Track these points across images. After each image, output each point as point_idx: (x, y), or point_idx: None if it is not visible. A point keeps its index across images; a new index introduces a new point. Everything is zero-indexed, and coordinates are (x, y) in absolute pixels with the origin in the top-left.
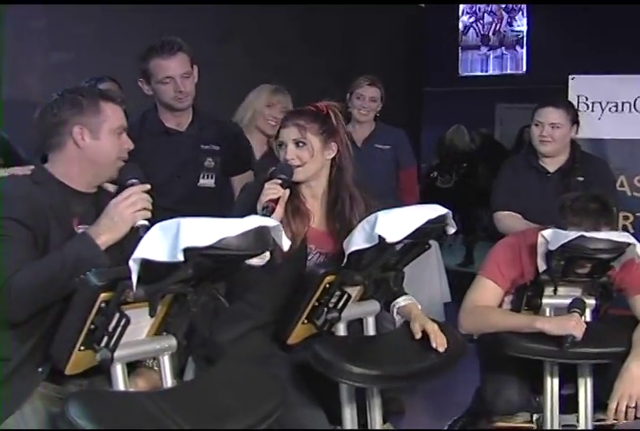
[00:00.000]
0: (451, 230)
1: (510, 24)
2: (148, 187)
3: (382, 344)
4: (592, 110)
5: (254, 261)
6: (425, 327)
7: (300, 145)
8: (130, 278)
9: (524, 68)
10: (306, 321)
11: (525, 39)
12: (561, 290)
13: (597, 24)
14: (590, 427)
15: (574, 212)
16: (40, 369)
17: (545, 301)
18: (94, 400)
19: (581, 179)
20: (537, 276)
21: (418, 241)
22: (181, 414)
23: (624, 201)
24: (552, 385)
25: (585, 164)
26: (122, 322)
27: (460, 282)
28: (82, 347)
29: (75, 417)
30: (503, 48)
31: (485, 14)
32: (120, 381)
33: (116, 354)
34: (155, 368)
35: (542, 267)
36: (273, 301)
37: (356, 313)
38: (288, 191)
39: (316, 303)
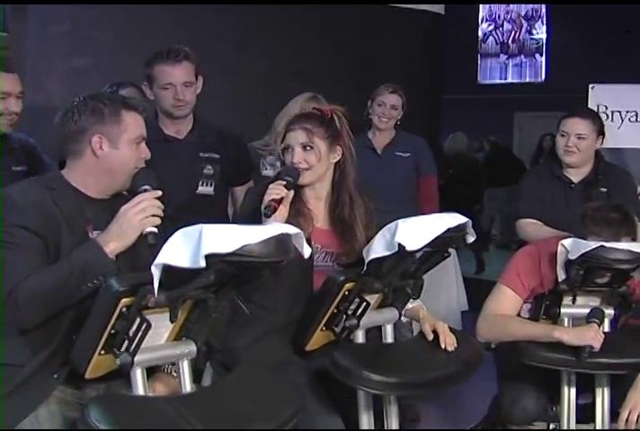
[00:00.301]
0: (470, 238)
1: (529, 32)
2: (159, 193)
3: (400, 351)
4: (612, 120)
5: None
6: (435, 327)
7: (308, 148)
8: (152, 284)
9: (543, 76)
10: (324, 328)
11: (544, 46)
12: (580, 300)
13: (617, 32)
14: None
15: (595, 221)
16: (55, 375)
17: (563, 310)
18: (115, 404)
19: (604, 190)
20: (557, 285)
21: (437, 249)
22: (199, 419)
23: None
24: (569, 395)
25: (608, 175)
26: (143, 327)
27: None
28: (102, 352)
29: (96, 421)
30: (523, 55)
31: (505, 22)
32: (139, 385)
33: (136, 358)
34: (174, 374)
35: (561, 276)
36: (283, 302)
37: (375, 321)
38: (292, 193)
39: (335, 310)
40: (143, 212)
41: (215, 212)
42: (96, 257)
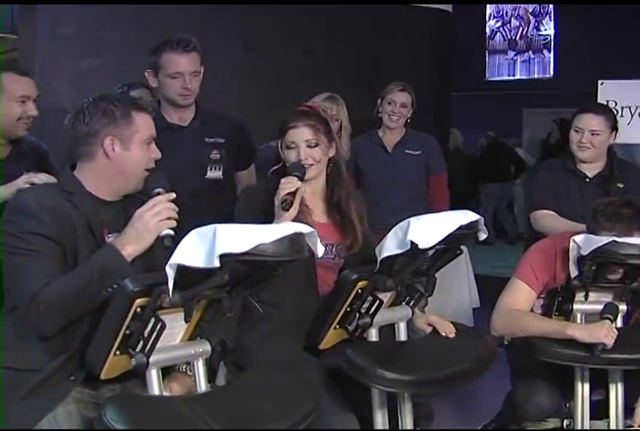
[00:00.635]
0: (483, 236)
1: (537, 28)
2: (174, 195)
3: (414, 349)
4: (622, 115)
5: None
6: (428, 320)
7: (313, 145)
8: (166, 284)
9: (551, 72)
10: (337, 327)
11: (552, 42)
12: (592, 296)
13: (625, 28)
14: None
15: (607, 217)
16: (72, 377)
17: (576, 306)
18: (131, 403)
19: (621, 185)
20: (569, 281)
21: (450, 246)
22: (215, 418)
23: None
24: (583, 391)
25: (624, 171)
26: (158, 327)
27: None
28: (117, 352)
29: (112, 421)
30: (531, 52)
31: (512, 18)
32: (155, 385)
33: (151, 358)
34: (189, 373)
35: (574, 272)
36: (291, 298)
37: (388, 319)
38: (303, 187)
39: (348, 309)
40: (158, 215)
41: (225, 196)
42: (114, 261)
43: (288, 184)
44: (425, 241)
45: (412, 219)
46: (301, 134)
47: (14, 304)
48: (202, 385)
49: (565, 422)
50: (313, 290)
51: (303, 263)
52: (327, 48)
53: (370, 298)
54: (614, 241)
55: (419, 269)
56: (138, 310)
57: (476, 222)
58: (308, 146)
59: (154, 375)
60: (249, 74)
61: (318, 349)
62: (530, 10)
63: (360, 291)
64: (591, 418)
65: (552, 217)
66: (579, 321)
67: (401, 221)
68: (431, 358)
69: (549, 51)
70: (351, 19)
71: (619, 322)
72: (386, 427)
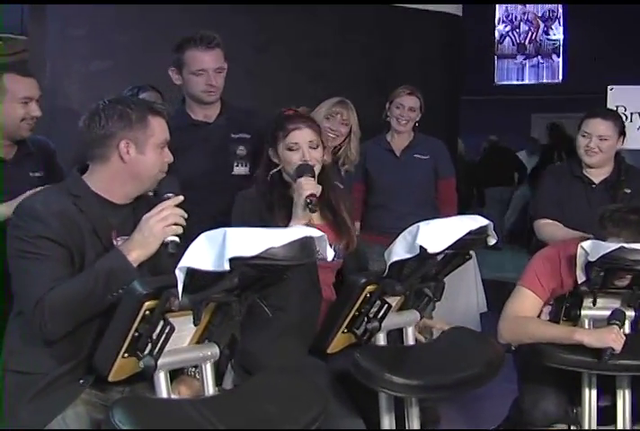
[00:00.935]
0: (492, 241)
1: (546, 33)
2: (181, 198)
3: (422, 354)
4: (631, 121)
5: None
6: (424, 323)
7: (315, 146)
8: (175, 287)
9: (560, 77)
10: (345, 331)
11: (561, 47)
12: (600, 301)
13: (635, 34)
14: None
15: (614, 223)
16: (81, 381)
17: (584, 312)
18: (139, 406)
19: (628, 191)
20: (576, 286)
21: (459, 251)
22: (223, 421)
23: None
24: (590, 397)
25: (632, 177)
26: (166, 330)
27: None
28: (125, 354)
29: (120, 423)
30: (539, 56)
31: (522, 23)
32: (163, 388)
33: (159, 361)
34: (197, 376)
35: (581, 278)
36: (294, 300)
37: (396, 323)
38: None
39: (356, 313)
40: (165, 220)
41: None
42: (120, 265)
43: (309, 185)
44: (434, 245)
45: (421, 224)
46: (304, 135)
47: (20, 309)
48: (210, 388)
49: (572, 428)
50: (316, 292)
51: (306, 265)
52: (339, 51)
53: (379, 302)
54: (622, 247)
55: (428, 274)
56: (147, 313)
57: (486, 227)
58: (310, 147)
59: (162, 378)
60: (260, 76)
61: (326, 353)
62: (540, 14)
63: (368, 295)
64: (597, 424)
65: (553, 227)
66: (587, 326)
67: (410, 225)
68: (439, 363)
69: (558, 56)
70: (363, 22)
71: (627, 329)
72: None
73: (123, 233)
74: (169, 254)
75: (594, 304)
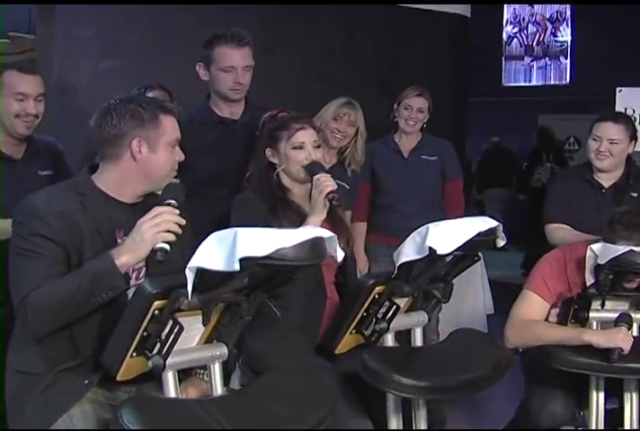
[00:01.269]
0: (501, 242)
1: (554, 34)
2: (177, 212)
3: (430, 355)
4: (639, 123)
5: None
6: None
7: (317, 145)
8: (185, 287)
9: (568, 79)
10: (354, 332)
11: (569, 49)
12: (608, 304)
13: None
14: None
15: (624, 226)
16: (86, 381)
17: (592, 314)
18: (147, 405)
19: (635, 194)
20: (585, 289)
21: (468, 253)
22: (231, 422)
23: None
24: (597, 399)
25: (639, 180)
26: (175, 330)
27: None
28: (134, 354)
29: (128, 423)
30: (547, 58)
31: (529, 24)
32: (171, 388)
33: (168, 361)
34: (205, 379)
35: (590, 280)
36: (300, 299)
37: (404, 324)
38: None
39: (365, 314)
40: (157, 226)
41: None
42: (107, 269)
43: (328, 181)
44: (444, 247)
45: (430, 225)
46: (309, 135)
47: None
48: (218, 388)
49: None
50: (321, 291)
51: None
52: (346, 52)
53: (387, 303)
54: (632, 250)
55: (436, 275)
56: (156, 312)
57: (495, 228)
58: (314, 147)
59: (170, 378)
60: (267, 77)
61: (334, 354)
62: (547, 16)
63: (377, 296)
64: (605, 427)
65: (564, 231)
66: (595, 328)
67: (418, 226)
68: (446, 364)
69: (566, 58)
70: (370, 22)
71: (636, 332)
72: None
73: (129, 233)
74: (157, 262)
75: (602, 307)
